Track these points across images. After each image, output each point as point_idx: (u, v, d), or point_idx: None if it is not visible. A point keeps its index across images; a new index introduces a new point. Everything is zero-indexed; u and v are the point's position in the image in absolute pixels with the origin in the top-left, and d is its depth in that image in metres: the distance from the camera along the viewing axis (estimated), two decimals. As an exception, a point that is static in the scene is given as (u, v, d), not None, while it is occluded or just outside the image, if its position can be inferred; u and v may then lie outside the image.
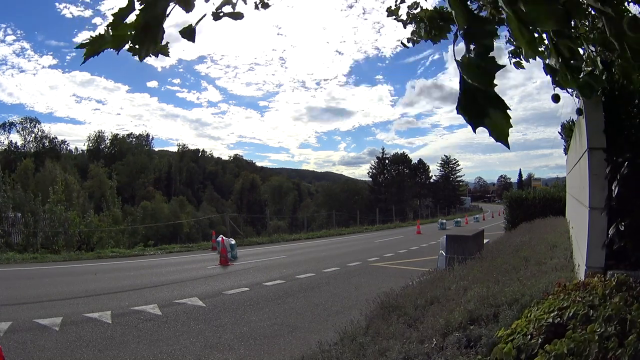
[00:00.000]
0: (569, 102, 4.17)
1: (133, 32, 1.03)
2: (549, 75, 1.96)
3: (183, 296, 6.73)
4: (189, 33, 1.11)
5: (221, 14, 1.17)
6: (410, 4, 2.95)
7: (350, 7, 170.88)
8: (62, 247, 15.87)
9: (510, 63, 2.94)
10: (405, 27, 3.00)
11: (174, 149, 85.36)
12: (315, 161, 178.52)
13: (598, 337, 2.02)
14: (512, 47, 2.92)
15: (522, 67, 2.95)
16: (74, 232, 17.42)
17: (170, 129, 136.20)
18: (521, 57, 2.88)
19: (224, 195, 72.09)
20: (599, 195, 3.10)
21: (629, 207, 2.91)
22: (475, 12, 2.89)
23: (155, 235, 26.06)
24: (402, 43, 3.15)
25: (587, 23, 2.34)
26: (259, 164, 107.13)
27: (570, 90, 2.91)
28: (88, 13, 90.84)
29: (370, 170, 61.41)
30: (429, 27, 2.82)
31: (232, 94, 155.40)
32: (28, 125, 58.04)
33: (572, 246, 5.37)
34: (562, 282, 3.07)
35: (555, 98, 2.55)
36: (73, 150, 67.50)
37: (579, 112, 4.20)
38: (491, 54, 0.82)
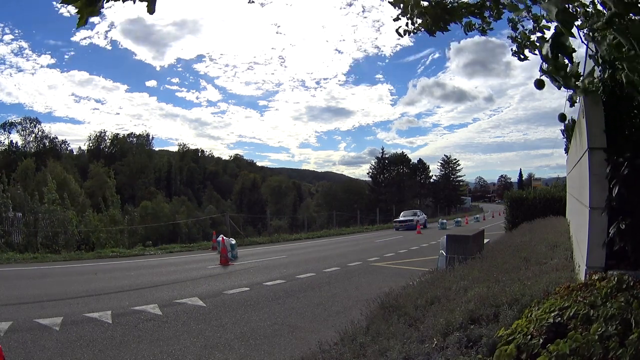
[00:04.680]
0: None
1: None
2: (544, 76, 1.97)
3: (183, 296, 6.73)
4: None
5: None
6: None
7: (350, 5, 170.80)
8: (62, 246, 15.88)
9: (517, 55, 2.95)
10: (408, 15, 2.95)
11: (174, 148, 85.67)
12: (315, 161, 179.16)
13: (599, 337, 2.02)
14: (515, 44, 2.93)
15: (526, 59, 2.97)
16: (74, 231, 17.43)
17: (170, 128, 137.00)
18: (524, 51, 2.88)
19: (224, 195, 72.07)
20: (599, 195, 3.10)
21: (629, 207, 2.90)
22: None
23: (155, 235, 26.04)
24: (396, 32, 3.11)
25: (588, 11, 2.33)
26: (259, 163, 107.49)
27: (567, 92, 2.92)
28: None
29: (371, 170, 61.47)
30: (429, 18, 2.79)
31: (231, 94, 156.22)
32: (28, 125, 58.23)
33: (572, 246, 5.36)
34: (567, 284, 3.07)
35: (539, 84, 2.59)
36: (75, 150, 67.64)
37: (561, 117, 4.29)
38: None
